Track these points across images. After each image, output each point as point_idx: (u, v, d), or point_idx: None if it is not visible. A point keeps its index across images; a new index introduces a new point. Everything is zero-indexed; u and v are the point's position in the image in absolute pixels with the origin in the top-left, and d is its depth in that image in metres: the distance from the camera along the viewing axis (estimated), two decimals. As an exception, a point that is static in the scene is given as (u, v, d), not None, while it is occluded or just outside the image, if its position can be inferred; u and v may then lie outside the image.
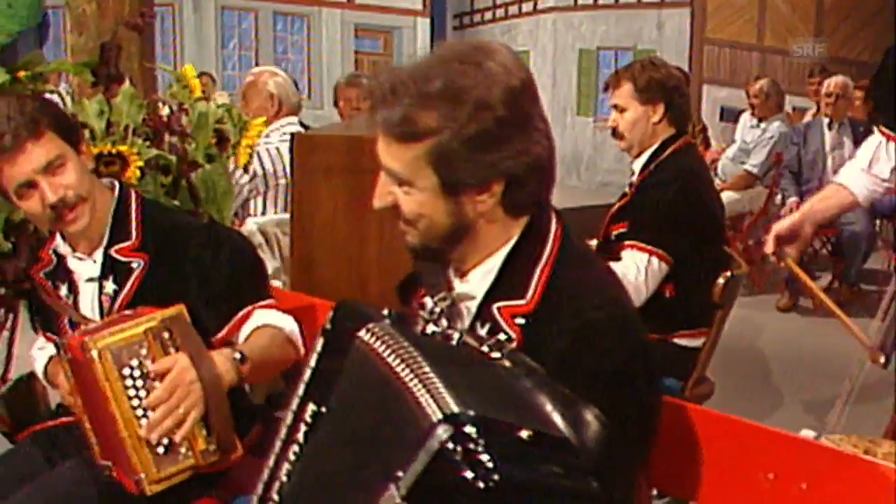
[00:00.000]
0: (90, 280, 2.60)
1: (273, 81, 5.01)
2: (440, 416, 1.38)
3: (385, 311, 1.72)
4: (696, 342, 3.49)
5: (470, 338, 1.67)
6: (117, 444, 2.20)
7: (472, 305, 1.83)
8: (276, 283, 3.56)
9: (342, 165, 3.38)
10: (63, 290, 2.64)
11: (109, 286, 2.56)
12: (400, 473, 1.41)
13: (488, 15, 18.70)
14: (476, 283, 1.83)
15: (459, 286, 1.86)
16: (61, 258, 2.64)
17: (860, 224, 6.90)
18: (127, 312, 2.44)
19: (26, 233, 2.82)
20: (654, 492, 2.23)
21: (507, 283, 1.79)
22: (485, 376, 1.59)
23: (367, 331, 1.62)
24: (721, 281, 3.33)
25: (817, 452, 1.93)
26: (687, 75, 6.93)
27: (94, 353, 2.14)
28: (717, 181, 7.18)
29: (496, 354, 1.61)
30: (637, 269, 3.32)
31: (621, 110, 3.60)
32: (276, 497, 1.82)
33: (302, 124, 5.15)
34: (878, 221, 7.96)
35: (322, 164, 3.45)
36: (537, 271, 1.77)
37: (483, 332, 1.77)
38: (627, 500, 1.75)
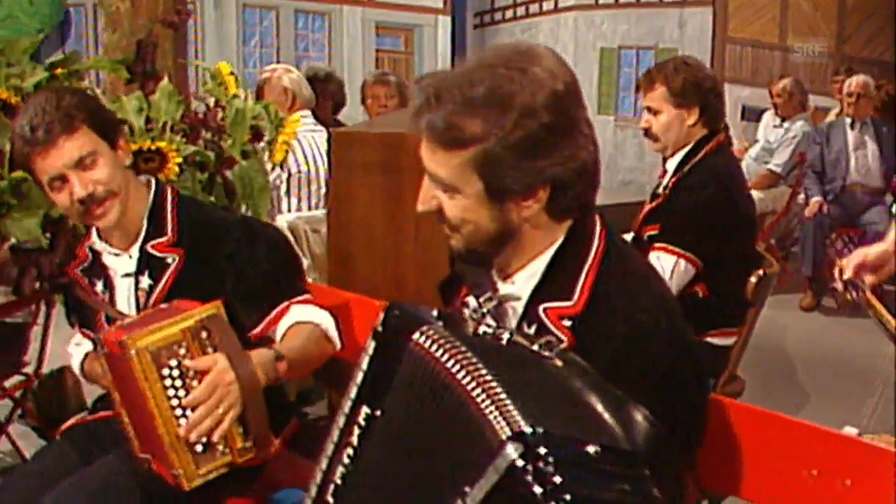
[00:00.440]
0: (126, 276, 2.62)
1: (287, 77, 5.08)
2: (509, 433, 1.38)
3: (435, 312, 1.73)
4: (727, 341, 3.48)
5: (520, 337, 1.67)
6: (156, 440, 2.21)
7: (518, 307, 1.84)
8: (306, 280, 3.57)
9: (379, 162, 3.37)
10: (99, 287, 2.66)
11: (145, 281, 2.57)
12: (467, 489, 1.42)
13: (509, 13, 18.65)
14: (521, 284, 1.84)
15: (504, 288, 1.86)
16: (97, 255, 2.66)
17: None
18: (162, 306, 2.45)
19: (64, 229, 2.83)
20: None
21: (552, 284, 1.79)
22: (541, 379, 1.59)
23: (421, 333, 1.63)
24: (753, 280, 3.34)
25: (861, 449, 1.92)
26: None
27: (133, 353, 2.14)
28: (741, 181, 7.17)
29: (547, 353, 1.61)
30: (662, 270, 3.29)
31: (655, 112, 3.55)
32: (330, 500, 1.81)
33: (339, 122, 5.19)
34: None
35: (359, 160, 3.45)
36: (583, 273, 1.77)
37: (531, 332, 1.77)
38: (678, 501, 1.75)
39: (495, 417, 1.42)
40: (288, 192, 4.64)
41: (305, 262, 4.14)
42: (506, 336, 1.67)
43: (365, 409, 1.74)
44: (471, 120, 1.67)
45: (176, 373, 2.18)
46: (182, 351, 2.19)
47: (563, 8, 17.01)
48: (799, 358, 6.20)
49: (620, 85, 16.32)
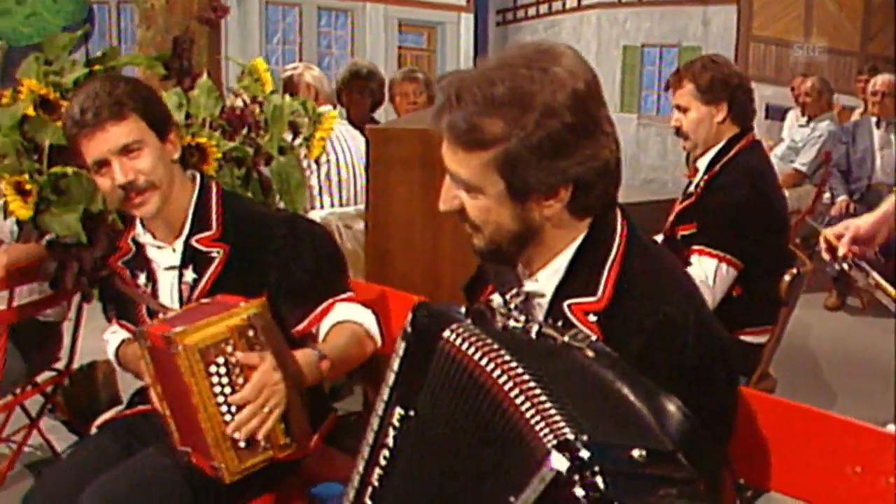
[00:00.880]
0: (169, 269, 2.63)
1: (309, 74, 5.13)
2: (554, 442, 1.37)
3: (463, 309, 1.72)
4: (760, 339, 3.49)
5: (549, 329, 1.66)
6: (198, 434, 2.22)
7: (543, 304, 1.84)
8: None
9: (417, 158, 3.36)
10: (141, 279, 2.67)
11: (189, 275, 2.59)
12: (512, 499, 1.41)
13: (532, 11, 18.68)
14: (544, 282, 1.83)
15: (528, 285, 1.86)
16: (140, 247, 2.68)
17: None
18: (205, 301, 2.47)
19: (104, 223, 2.85)
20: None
21: (576, 280, 1.79)
22: (574, 373, 1.58)
23: (452, 331, 1.62)
24: (787, 278, 3.34)
25: (905, 447, 1.92)
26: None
27: (180, 349, 2.14)
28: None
29: (577, 344, 1.61)
30: (706, 276, 3.30)
31: (684, 110, 3.56)
32: (368, 502, 1.80)
33: (374, 120, 5.22)
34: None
35: (397, 156, 3.45)
36: (606, 268, 1.76)
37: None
38: (712, 495, 1.75)
39: (537, 423, 1.41)
40: (321, 189, 4.65)
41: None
42: (535, 329, 1.66)
43: (399, 411, 1.73)
44: (491, 120, 1.66)
45: (223, 370, 2.19)
46: (229, 349, 2.20)
47: (586, 5, 17.02)
48: (824, 357, 6.19)
49: (643, 83, 16.34)
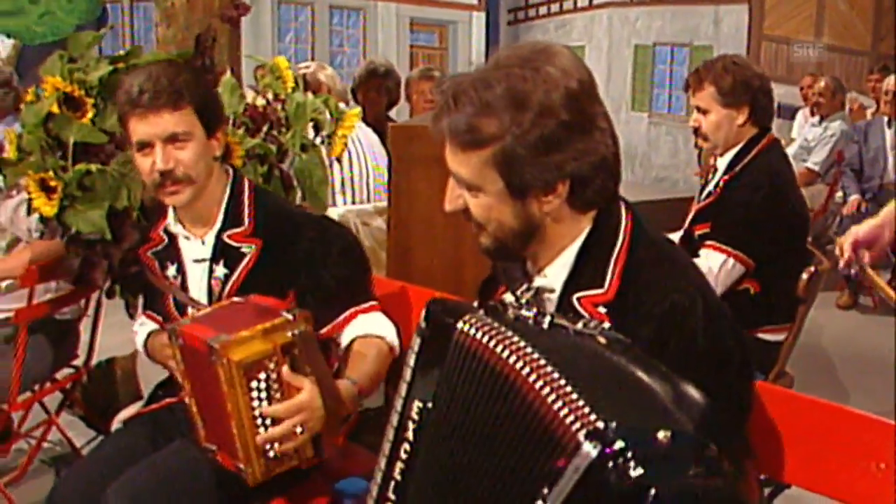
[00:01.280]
0: (198, 261, 2.64)
1: (321, 73, 5.19)
2: (584, 431, 1.39)
3: (475, 304, 1.77)
4: (778, 336, 3.49)
5: (561, 319, 1.69)
6: (228, 436, 2.21)
7: (553, 298, 1.87)
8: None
9: (439, 155, 3.33)
10: (171, 271, 2.68)
11: (220, 270, 2.60)
12: (546, 490, 1.43)
13: (543, 10, 18.67)
14: (553, 277, 1.86)
15: (537, 281, 1.89)
16: (172, 238, 2.68)
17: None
18: (236, 300, 2.45)
19: (129, 220, 2.87)
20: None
21: (583, 274, 1.82)
22: (590, 359, 1.61)
23: (465, 322, 1.65)
24: (805, 276, 3.34)
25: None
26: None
27: (224, 361, 2.11)
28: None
29: (589, 332, 1.64)
30: (710, 268, 3.30)
31: (704, 112, 3.54)
32: (392, 497, 1.82)
33: (390, 119, 5.24)
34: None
35: (419, 154, 3.47)
36: (612, 260, 1.80)
37: None
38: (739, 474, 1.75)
39: (561, 410, 1.43)
40: (340, 186, 4.67)
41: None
42: (547, 320, 1.69)
43: (417, 404, 1.76)
44: (488, 121, 1.71)
45: (263, 385, 2.17)
46: (272, 365, 2.17)
47: (598, 4, 17.01)
48: (837, 355, 6.21)
49: (655, 82, 16.31)
